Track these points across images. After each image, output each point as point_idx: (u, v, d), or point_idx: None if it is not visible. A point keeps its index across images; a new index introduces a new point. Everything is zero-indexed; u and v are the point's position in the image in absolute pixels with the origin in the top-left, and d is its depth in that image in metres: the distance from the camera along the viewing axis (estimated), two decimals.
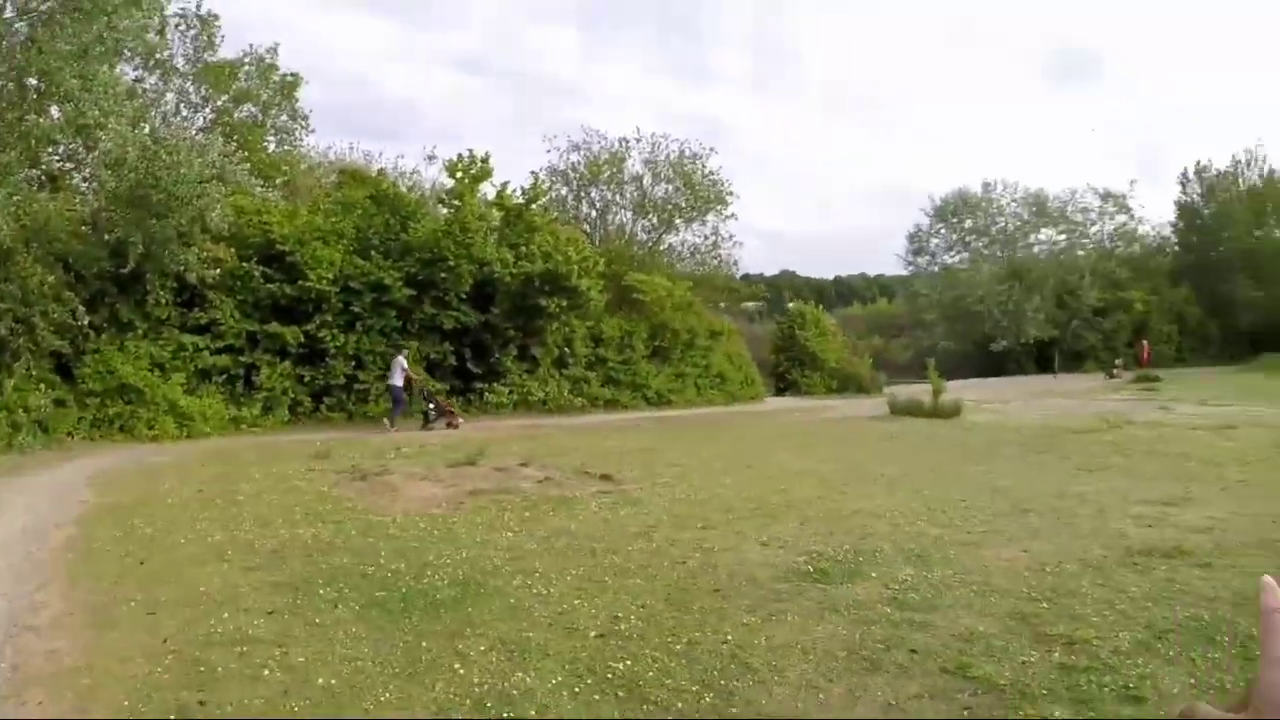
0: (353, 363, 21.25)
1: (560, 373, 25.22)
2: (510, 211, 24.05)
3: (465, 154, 24.51)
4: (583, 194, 34.11)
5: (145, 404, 18.42)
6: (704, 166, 34.70)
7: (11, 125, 16.50)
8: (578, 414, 24.29)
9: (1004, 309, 50.47)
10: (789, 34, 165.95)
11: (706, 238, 35.81)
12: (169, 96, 24.39)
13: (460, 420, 20.91)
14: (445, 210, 24.27)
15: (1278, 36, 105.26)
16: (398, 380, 20.01)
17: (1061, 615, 5.78)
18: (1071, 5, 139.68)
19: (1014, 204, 55.25)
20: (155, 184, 16.87)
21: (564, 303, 23.66)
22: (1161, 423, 19.18)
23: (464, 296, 22.48)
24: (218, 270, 19.28)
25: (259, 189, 20.13)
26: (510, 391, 23.59)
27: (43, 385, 17.27)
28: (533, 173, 31.53)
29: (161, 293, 19.10)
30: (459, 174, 24.28)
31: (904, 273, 63.80)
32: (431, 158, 24.31)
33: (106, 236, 18.08)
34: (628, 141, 34.36)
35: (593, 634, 5.47)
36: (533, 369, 24.45)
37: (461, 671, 4.94)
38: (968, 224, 56.74)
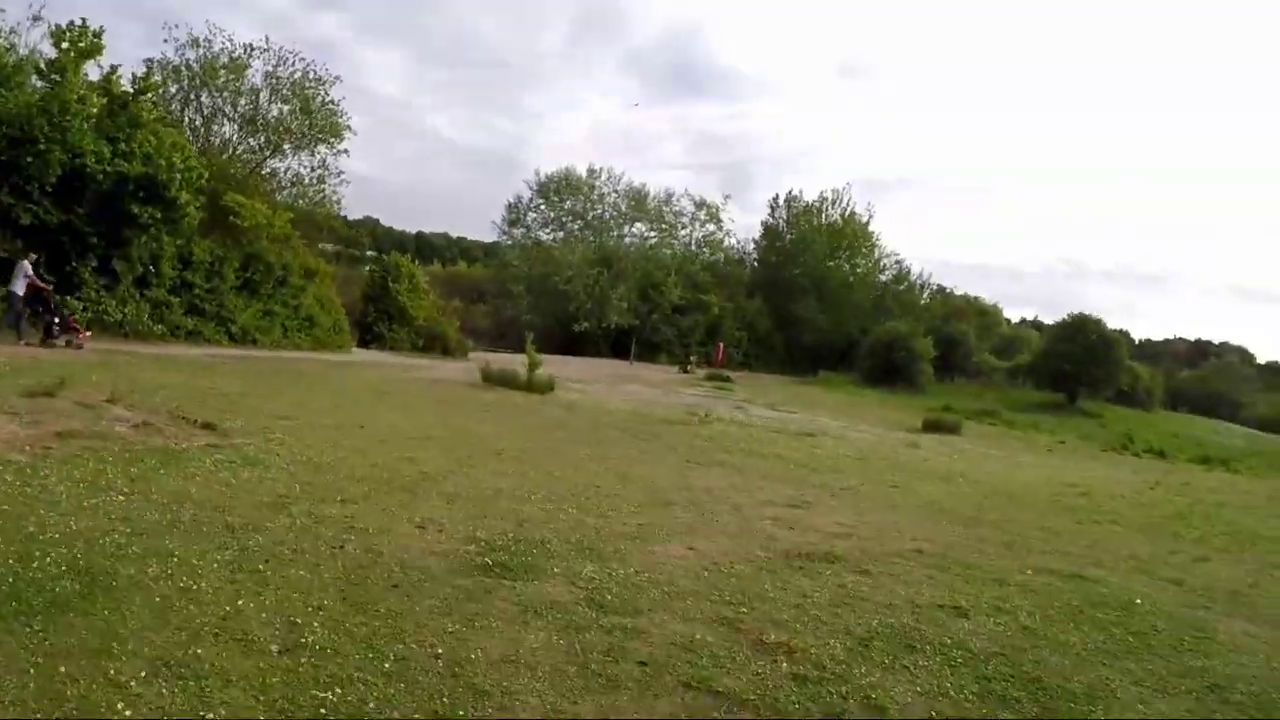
0: None
1: (141, 294, 24.78)
2: (115, 100, 23.32)
3: (76, 22, 23.33)
4: (191, 96, 33.11)
5: None
6: (326, 93, 35.23)
7: None
8: (157, 342, 23.97)
9: (590, 292, 56.32)
10: None
11: (314, 169, 36.28)
12: None
13: (87, 337, 20.19)
14: (40, 84, 22.83)
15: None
16: (19, 288, 18.97)
17: (764, 620, 5.98)
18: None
19: (615, 194, 61.73)
20: None
21: (158, 214, 23.49)
22: (747, 423, 22.18)
23: (48, 189, 21.51)
24: None
25: None
26: (85, 309, 22.81)
27: None
28: (146, 61, 30.07)
29: None
30: (65, 44, 23.05)
31: (496, 239, 68.17)
32: (38, 19, 22.41)
33: None
34: (252, 48, 33.95)
35: (275, 648, 4.64)
36: (112, 285, 23.82)
37: (129, 715, 3.80)
38: (567, 204, 62.26)
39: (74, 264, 22.72)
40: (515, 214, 63.52)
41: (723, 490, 11.61)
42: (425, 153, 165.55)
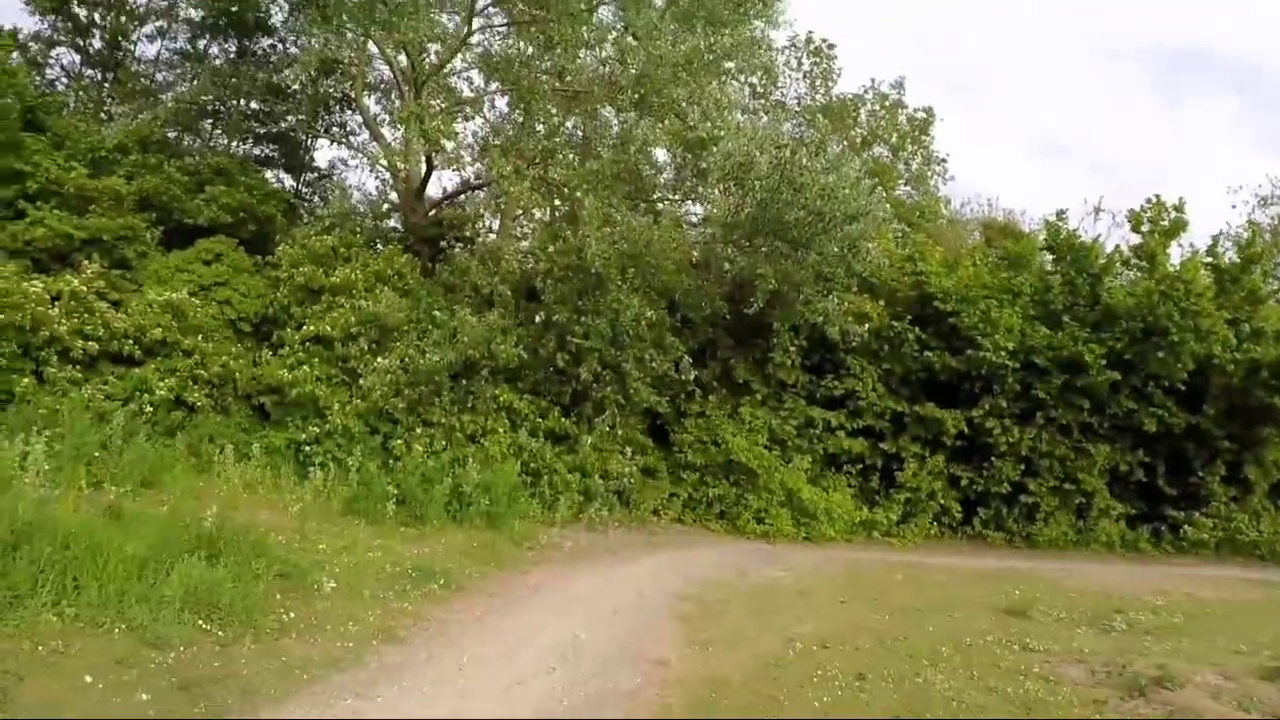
0: (1021, 467, 17.13)
1: (1276, 505, 19.00)
2: (1224, 274, 18.53)
3: (1151, 200, 19.57)
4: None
5: (757, 489, 16.23)
6: None
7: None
8: None
9: None
10: None
11: None
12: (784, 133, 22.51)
13: None
14: (1128, 273, 19.39)
15: None
16: None
17: None
18: None
19: None
20: (795, 194, 14.28)
21: None
22: None
23: (1170, 388, 17.42)
24: (865, 327, 16.38)
25: (902, 232, 16.91)
26: (1214, 526, 17.94)
27: (629, 449, 15.72)
28: (1251, 222, 25.51)
29: (790, 350, 16.65)
30: (1144, 226, 19.38)
31: None
32: (1100, 210, 19.10)
33: (726, 269, 15.83)
34: None
35: None
36: (1242, 497, 18.57)
37: None
38: None
39: (1200, 473, 18.03)
40: None
41: None
42: None
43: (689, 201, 17.42)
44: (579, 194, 15.29)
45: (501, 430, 14.99)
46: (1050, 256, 19.40)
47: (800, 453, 16.62)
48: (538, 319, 15.78)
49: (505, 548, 12.31)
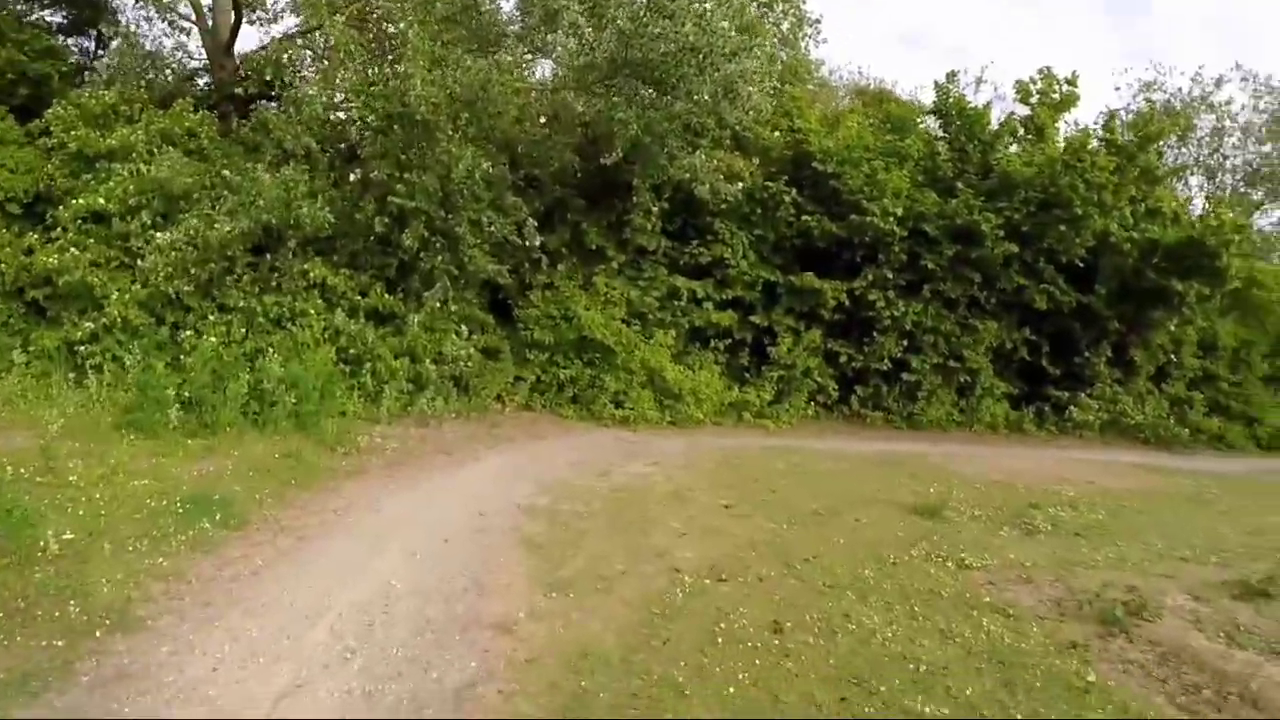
0: (904, 343, 15.67)
1: (1160, 389, 18.19)
2: (1122, 152, 17.22)
3: (1041, 71, 18.16)
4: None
5: (615, 369, 14.24)
6: None
7: None
8: (1183, 450, 17.32)
9: None
10: None
11: None
12: None
13: None
14: (1014, 148, 17.92)
15: None
16: None
17: None
18: None
19: None
20: (667, 23, 12.02)
21: (1204, 290, 16.69)
22: None
23: (1062, 265, 16.23)
24: (738, 187, 14.31)
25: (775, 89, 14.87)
26: (1100, 408, 17.01)
27: (465, 327, 13.48)
28: (1149, 100, 24.29)
29: (651, 211, 14.60)
30: (1033, 99, 17.98)
31: None
32: (981, 81, 17.55)
33: (579, 115, 13.69)
34: (1203, 84, 26.44)
35: None
36: (1126, 379, 17.68)
37: None
38: None
39: (1086, 354, 16.97)
40: None
41: None
42: None
43: (539, 56, 14.97)
44: (402, 25, 12.68)
45: (313, 312, 12.51)
46: (938, 122, 17.79)
47: (663, 327, 14.68)
48: (352, 177, 13.30)
49: (315, 456, 9.88)
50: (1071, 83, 18.08)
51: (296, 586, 6.11)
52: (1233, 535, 9.56)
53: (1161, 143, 19.79)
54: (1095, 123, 19.62)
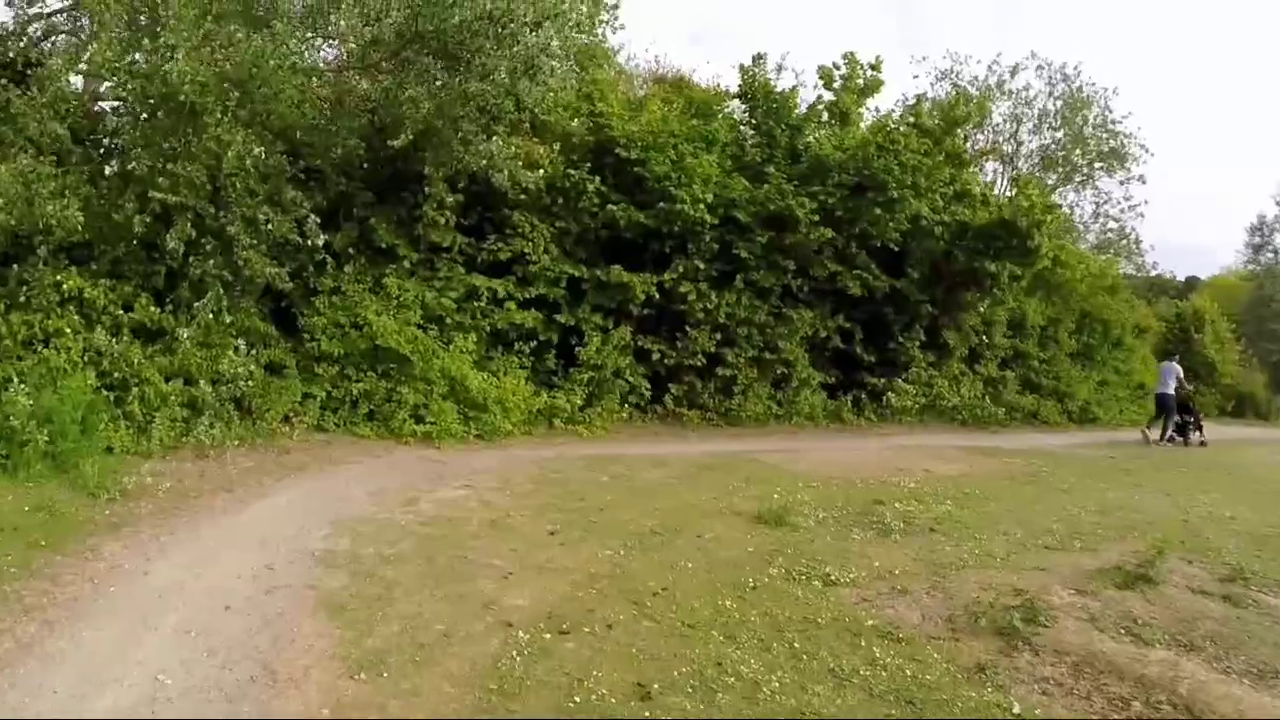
0: (717, 336, 14.95)
1: (973, 370, 18.31)
2: (930, 136, 17.11)
3: (845, 56, 17.95)
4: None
5: (413, 380, 12.81)
6: (1108, 112, 27.34)
7: None
8: (999, 429, 17.66)
9: None
10: None
11: (1099, 204, 28.34)
12: None
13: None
14: (820, 133, 17.55)
15: None
16: (1169, 389, 17.29)
17: None
18: None
19: None
20: (454, 2, 10.74)
21: (1016, 270, 16.77)
22: None
23: (874, 249, 15.96)
24: (539, 173, 13.17)
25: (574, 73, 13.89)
26: (916, 392, 16.94)
27: (244, 342, 11.86)
28: (955, 85, 24.51)
29: (445, 204, 13.31)
30: (836, 84, 17.74)
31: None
32: (782, 67, 17.05)
33: (365, 96, 12.49)
34: (999, 71, 27.22)
35: None
36: (939, 362, 17.70)
37: None
38: None
39: (900, 339, 16.85)
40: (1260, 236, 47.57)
41: None
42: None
43: (321, 39, 13.47)
44: None
45: (69, 330, 10.71)
46: (743, 107, 17.23)
47: (462, 331, 13.42)
48: (108, 170, 11.55)
49: (72, 506, 8.11)
50: (875, 68, 17.97)
51: (38, 698, 4.67)
52: (1084, 516, 9.46)
53: (967, 126, 19.89)
54: (895, 108, 19.68)
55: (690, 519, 8.69)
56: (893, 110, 19.08)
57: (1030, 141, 28.01)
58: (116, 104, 12.20)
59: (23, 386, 9.50)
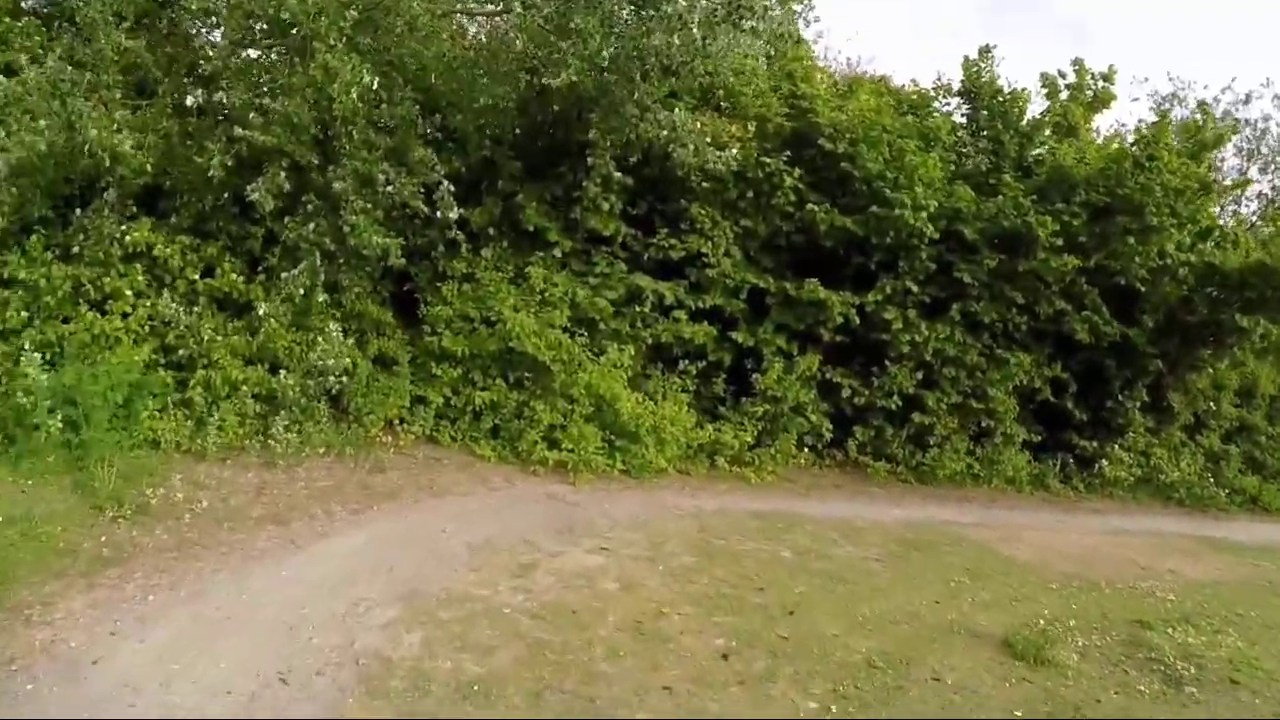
0: (918, 375, 12.18)
1: (1194, 440, 15.21)
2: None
3: (1074, 64, 15.17)
4: None
5: (551, 395, 10.51)
6: None
7: None
8: (1220, 514, 14.29)
9: None
10: None
11: None
12: None
13: None
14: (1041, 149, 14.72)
15: None
16: None
17: None
18: None
19: None
20: None
21: (1272, 327, 13.69)
22: None
23: (1111, 287, 13.06)
24: (731, 152, 10.64)
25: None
26: (1132, 461, 14.01)
27: (345, 326, 9.77)
28: (1202, 103, 21.32)
29: (611, 185, 10.80)
30: (1062, 94, 15.01)
31: None
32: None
33: (523, 53, 10.56)
34: (1234, 99, 23.81)
35: None
36: (1158, 428, 14.66)
37: None
38: None
39: (1120, 397, 13.85)
40: None
41: None
42: None
43: None
44: None
45: (130, 292, 8.80)
46: (965, 106, 14.47)
47: (618, 341, 11.03)
48: (191, 101, 9.26)
49: (62, 522, 6.21)
50: (1108, 79, 15.10)
51: None
52: None
53: (1215, 153, 16.81)
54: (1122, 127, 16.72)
55: (918, 643, 6.40)
56: (1122, 126, 16.13)
57: (1261, 182, 24.37)
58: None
59: (36, 357, 7.64)
